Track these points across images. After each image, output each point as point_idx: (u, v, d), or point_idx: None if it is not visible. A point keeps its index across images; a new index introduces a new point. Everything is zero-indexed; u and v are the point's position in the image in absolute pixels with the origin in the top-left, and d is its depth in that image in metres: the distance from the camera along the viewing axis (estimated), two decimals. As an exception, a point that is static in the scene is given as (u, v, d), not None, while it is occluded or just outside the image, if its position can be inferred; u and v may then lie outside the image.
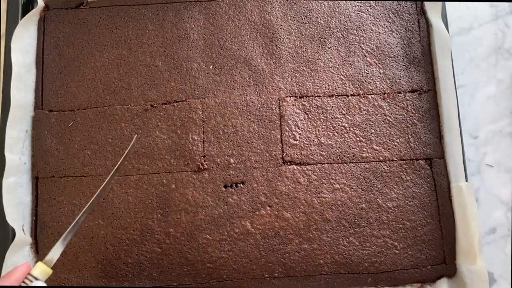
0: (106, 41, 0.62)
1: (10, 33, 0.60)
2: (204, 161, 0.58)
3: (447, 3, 0.63)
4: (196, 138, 0.59)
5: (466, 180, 0.57)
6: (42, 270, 0.43)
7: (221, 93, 0.60)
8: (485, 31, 0.66)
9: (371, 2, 0.63)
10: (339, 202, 0.58)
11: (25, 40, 0.60)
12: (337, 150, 0.59)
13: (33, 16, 0.61)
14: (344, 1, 0.63)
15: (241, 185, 0.58)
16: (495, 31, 0.66)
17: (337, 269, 0.56)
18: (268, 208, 0.57)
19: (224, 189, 0.58)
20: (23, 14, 0.61)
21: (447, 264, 0.57)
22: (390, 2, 0.63)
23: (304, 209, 0.57)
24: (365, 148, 0.59)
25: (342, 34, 0.62)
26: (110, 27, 0.62)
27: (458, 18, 0.66)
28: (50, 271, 0.44)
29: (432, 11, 0.62)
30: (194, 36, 0.62)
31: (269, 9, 0.63)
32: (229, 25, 0.62)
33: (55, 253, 0.45)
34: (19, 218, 0.56)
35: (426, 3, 0.63)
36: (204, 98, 0.60)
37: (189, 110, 0.59)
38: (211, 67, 0.61)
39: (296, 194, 0.58)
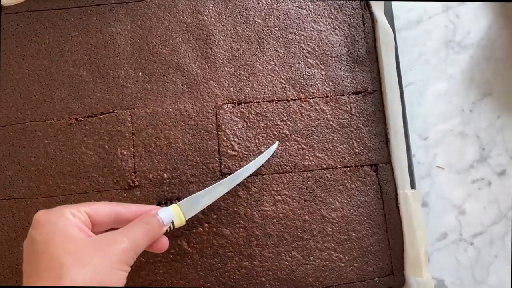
0: (25, 51, 0.57)
1: None
2: (135, 178, 0.54)
3: (392, -5, 0.59)
4: (125, 153, 0.55)
5: (413, 186, 0.54)
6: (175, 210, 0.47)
7: (152, 102, 0.56)
8: (435, 24, 0.62)
9: (312, -3, 0.59)
10: (280, 214, 0.54)
11: None
12: (278, 160, 0.55)
13: None
14: (282, -3, 0.59)
15: (177, 202, 0.54)
16: (446, 23, 0.62)
17: (280, 286, 0.53)
18: (206, 225, 0.54)
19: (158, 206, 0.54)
20: None
21: (394, 275, 0.54)
22: (332, -4, 0.59)
23: (244, 224, 0.54)
24: (307, 156, 0.56)
25: (281, 34, 0.58)
26: (28, 35, 0.57)
27: (408, 11, 0.62)
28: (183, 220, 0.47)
29: (377, 5, 0.58)
30: (121, 41, 0.57)
31: (202, 8, 0.58)
32: (159, 28, 0.58)
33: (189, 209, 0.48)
34: None
35: (370, -4, 0.59)
36: (134, 109, 0.56)
37: (117, 122, 0.55)
38: (140, 74, 0.57)
39: (235, 209, 0.54)
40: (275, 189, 0.55)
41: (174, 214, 0.46)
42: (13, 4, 0.58)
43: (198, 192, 0.49)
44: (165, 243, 0.46)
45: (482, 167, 0.58)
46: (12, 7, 0.58)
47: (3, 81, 0.56)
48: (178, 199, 0.54)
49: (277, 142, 0.54)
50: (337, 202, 0.55)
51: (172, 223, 0.46)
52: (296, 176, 0.55)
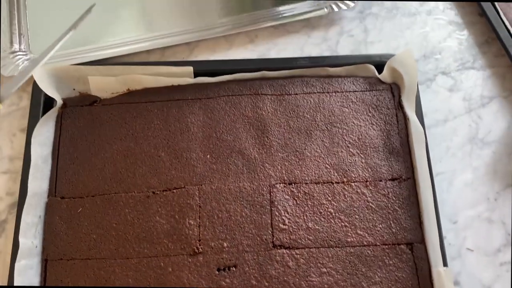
0: (115, 135, 0.69)
1: (32, 127, 0.67)
2: (200, 245, 0.63)
3: (422, 99, 0.70)
4: (192, 222, 0.64)
5: (445, 265, 0.60)
6: None
7: (216, 180, 0.66)
8: (460, 123, 0.72)
9: (352, 98, 0.71)
10: (326, 285, 0.61)
11: (44, 134, 0.68)
12: (324, 235, 0.63)
13: (53, 113, 0.69)
14: (328, 98, 0.70)
15: (234, 269, 0.62)
16: (469, 123, 0.72)
17: None
18: (258, 291, 0.61)
19: (217, 272, 0.62)
20: (44, 110, 0.69)
21: None
22: (370, 98, 0.71)
23: (293, 292, 0.61)
24: (350, 233, 0.63)
25: (326, 127, 0.69)
26: (119, 122, 0.70)
27: (435, 111, 0.73)
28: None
29: (408, 106, 0.69)
30: (194, 129, 0.69)
31: (261, 105, 0.70)
32: (225, 119, 0.70)
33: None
34: (27, 299, 0.60)
35: (403, 99, 0.70)
36: (201, 185, 0.66)
37: (187, 196, 0.65)
38: (208, 156, 0.68)
39: (285, 278, 0.61)
40: (321, 261, 0.62)
41: None
42: (109, 98, 0.71)
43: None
44: None
45: (509, 250, 0.64)
46: (108, 99, 0.71)
47: (96, 159, 0.68)
48: (235, 266, 0.62)
49: None
50: (376, 277, 0.61)
51: None
52: (340, 251, 0.63)
